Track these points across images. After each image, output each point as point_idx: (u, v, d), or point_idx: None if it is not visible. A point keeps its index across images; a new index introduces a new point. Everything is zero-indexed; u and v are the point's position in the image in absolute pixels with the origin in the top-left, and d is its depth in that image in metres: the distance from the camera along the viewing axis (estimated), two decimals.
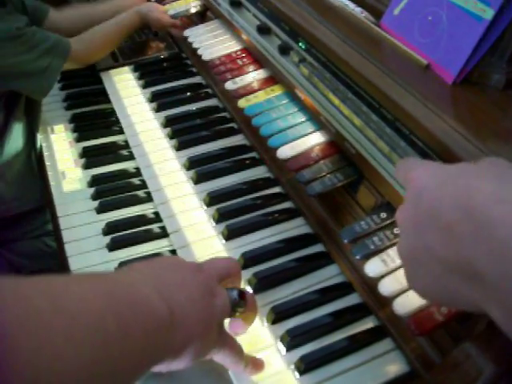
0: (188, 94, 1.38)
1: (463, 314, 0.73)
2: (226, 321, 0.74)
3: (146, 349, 0.54)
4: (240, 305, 0.71)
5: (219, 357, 0.72)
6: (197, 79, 1.43)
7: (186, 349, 0.61)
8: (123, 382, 0.52)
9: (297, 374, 0.81)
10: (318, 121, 1.00)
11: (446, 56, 0.86)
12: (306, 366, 0.81)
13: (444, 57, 0.86)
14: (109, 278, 0.58)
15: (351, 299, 0.90)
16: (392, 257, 0.80)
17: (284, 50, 1.08)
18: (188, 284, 0.64)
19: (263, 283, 0.91)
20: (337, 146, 0.98)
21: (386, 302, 0.80)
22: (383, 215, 0.85)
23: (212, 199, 1.07)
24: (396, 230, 0.83)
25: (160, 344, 0.56)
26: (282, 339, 0.84)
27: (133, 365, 0.53)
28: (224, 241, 1.00)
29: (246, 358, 0.76)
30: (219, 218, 1.03)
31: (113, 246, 1.05)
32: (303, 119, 1.06)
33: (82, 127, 1.39)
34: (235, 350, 0.74)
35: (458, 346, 0.67)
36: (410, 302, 0.75)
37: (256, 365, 0.79)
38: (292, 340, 0.83)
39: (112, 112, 1.39)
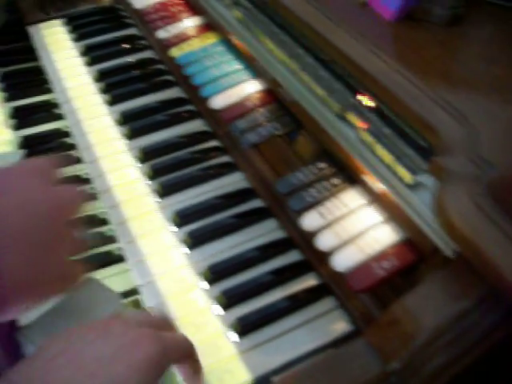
0: (122, 46, 1.29)
1: (405, 269, 0.69)
2: None
3: None
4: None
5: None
6: (132, 31, 1.34)
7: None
8: None
9: (234, 336, 0.76)
10: (254, 68, 0.95)
11: None
12: (243, 327, 0.76)
13: None
14: None
15: (292, 256, 0.85)
16: (330, 209, 0.75)
17: None
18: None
19: (198, 240, 0.87)
20: (273, 95, 0.92)
21: (327, 256, 0.75)
22: (321, 165, 0.80)
23: (146, 155, 1.01)
24: (335, 181, 0.78)
25: None
26: (218, 300, 0.80)
27: None
28: (159, 198, 0.94)
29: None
30: (153, 174, 0.97)
31: None
32: (239, 67, 1.00)
33: (12, 86, 1.30)
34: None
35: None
36: (349, 257, 0.71)
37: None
38: (229, 300, 0.79)
39: (42, 70, 1.30)
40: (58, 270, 0.60)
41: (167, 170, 0.98)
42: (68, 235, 0.61)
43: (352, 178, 0.77)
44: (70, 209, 0.63)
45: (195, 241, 0.86)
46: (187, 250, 0.86)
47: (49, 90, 1.25)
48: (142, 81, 1.19)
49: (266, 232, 0.88)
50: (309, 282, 0.82)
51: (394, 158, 0.67)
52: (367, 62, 0.72)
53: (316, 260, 0.82)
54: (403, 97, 0.67)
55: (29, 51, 1.36)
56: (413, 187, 0.65)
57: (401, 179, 0.66)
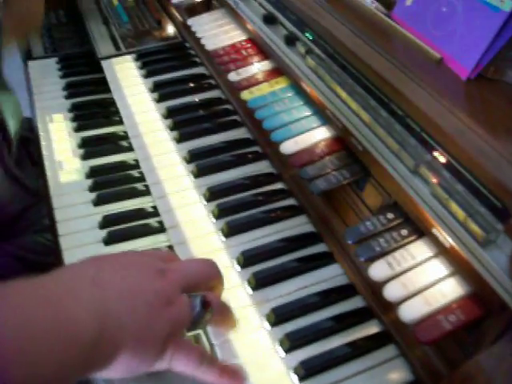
0: (191, 84, 1.34)
1: (472, 323, 0.70)
2: None
3: (61, 374, 0.50)
4: (203, 315, 0.66)
5: (179, 368, 0.66)
6: (200, 69, 1.39)
7: (113, 361, 0.57)
8: None
9: (296, 379, 0.77)
10: (324, 115, 0.96)
11: (461, 50, 0.81)
12: (305, 371, 0.77)
13: (458, 50, 0.82)
14: (33, 295, 0.52)
15: (354, 302, 0.86)
16: (398, 260, 0.76)
17: (290, 40, 1.04)
18: (135, 292, 0.60)
19: (262, 283, 0.88)
20: (343, 142, 0.94)
21: (391, 306, 0.77)
22: (390, 216, 0.81)
23: (212, 194, 1.03)
24: (403, 232, 0.79)
25: (80, 365, 0.52)
26: (282, 343, 0.81)
27: None
28: (224, 238, 0.96)
29: (220, 364, 0.70)
30: (219, 213, 1.00)
31: (109, 240, 1.02)
32: (308, 113, 1.02)
33: (82, 117, 1.35)
34: (194, 356, 0.67)
35: (466, 358, 0.64)
36: (416, 309, 0.72)
37: (234, 374, 0.71)
38: (292, 344, 0.80)
39: (113, 102, 1.35)
40: (162, 330, 0.61)
41: (233, 211, 1.00)
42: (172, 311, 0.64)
43: (421, 230, 0.78)
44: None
45: (259, 282, 0.88)
46: (251, 291, 0.88)
47: (118, 122, 1.30)
48: (209, 120, 1.22)
49: (329, 277, 0.90)
50: (370, 329, 0.83)
51: (466, 214, 0.68)
52: (443, 119, 0.73)
53: (378, 307, 0.83)
54: (478, 157, 0.68)
55: (100, 83, 1.42)
56: (485, 245, 0.66)
57: (472, 236, 0.68)
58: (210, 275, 0.72)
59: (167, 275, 0.65)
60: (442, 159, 0.73)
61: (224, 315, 0.72)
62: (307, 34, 1.01)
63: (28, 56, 1.61)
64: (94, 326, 0.53)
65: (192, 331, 0.71)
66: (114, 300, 0.57)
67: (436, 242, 0.75)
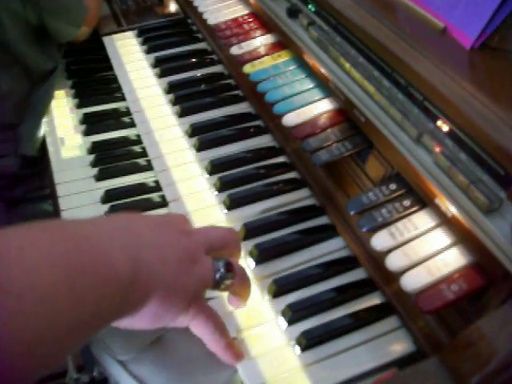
0: (193, 59, 1.33)
1: (474, 293, 0.69)
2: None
3: (100, 312, 0.52)
4: (226, 277, 0.68)
5: (195, 328, 0.69)
6: (202, 45, 1.38)
7: (143, 307, 0.59)
8: (77, 340, 0.51)
9: (298, 350, 0.77)
10: (327, 87, 0.96)
11: (464, 19, 0.80)
12: (307, 342, 0.77)
13: (462, 19, 0.81)
14: (73, 233, 0.54)
15: (356, 274, 0.86)
16: (401, 230, 0.76)
17: (292, 12, 1.03)
18: (165, 245, 0.62)
19: (265, 255, 0.88)
20: (345, 114, 0.93)
21: (393, 277, 0.77)
22: (392, 186, 0.81)
23: (214, 167, 1.03)
24: (405, 203, 0.78)
25: (116, 305, 0.55)
26: (284, 313, 0.81)
27: (84, 328, 0.51)
28: (226, 210, 0.96)
29: (228, 338, 0.73)
30: (221, 186, 1.00)
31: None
32: (311, 86, 1.01)
33: (84, 93, 1.35)
34: (212, 323, 0.70)
35: (468, 325, 0.63)
36: (418, 278, 0.72)
37: (237, 353, 0.75)
38: (294, 315, 0.80)
39: (114, 78, 1.35)
40: (189, 285, 0.63)
41: (235, 184, 1.00)
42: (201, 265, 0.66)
43: (423, 201, 0.78)
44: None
45: (261, 254, 0.88)
46: (253, 264, 0.88)
47: (120, 99, 1.30)
48: (211, 94, 1.22)
49: (331, 250, 0.90)
50: (373, 300, 0.83)
51: (469, 182, 0.68)
52: (446, 88, 0.73)
53: (380, 279, 0.83)
54: (482, 124, 0.67)
55: (103, 61, 1.41)
56: (488, 213, 0.66)
57: (475, 204, 0.67)
58: (230, 242, 0.73)
59: (192, 236, 0.67)
60: (445, 128, 0.73)
61: (243, 283, 0.73)
62: (309, 6, 1.00)
63: None
64: (129, 268, 0.55)
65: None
66: (147, 248, 0.59)
67: (438, 212, 0.74)
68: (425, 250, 0.74)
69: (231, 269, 0.69)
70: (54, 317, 0.46)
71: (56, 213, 1.06)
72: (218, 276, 0.67)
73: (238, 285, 0.72)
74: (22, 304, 0.43)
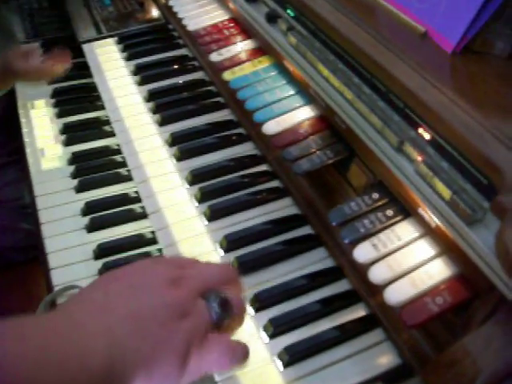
0: (173, 66, 1.31)
1: (459, 305, 0.67)
2: None
3: None
4: (223, 317, 0.61)
5: (212, 370, 0.65)
6: (183, 51, 1.36)
7: None
8: None
9: (280, 366, 0.76)
10: (308, 94, 0.94)
11: (445, 22, 0.79)
12: (290, 357, 0.76)
13: (443, 23, 0.79)
14: (43, 328, 0.51)
15: (340, 285, 0.84)
16: (383, 241, 0.74)
17: (271, 17, 1.01)
18: (144, 312, 0.57)
19: (246, 267, 0.86)
20: (326, 121, 0.91)
21: (377, 289, 0.74)
22: (375, 196, 0.79)
23: (194, 177, 1.01)
24: (388, 213, 0.76)
25: None
26: (265, 328, 0.79)
27: None
28: (206, 222, 0.94)
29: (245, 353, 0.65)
30: (202, 197, 0.98)
31: (91, 227, 1.00)
32: (291, 92, 0.99)
33: (64, 102, 1.33)
34: (224, 357, 0.61)
35: (454, 340, 0.62)
36: (402, 291, 0.70)
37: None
38: (275, 329, 0.78)
39: (95, 86, 1.32)
40: (179, 344, 0.57)
41: (216, 194, 0.98)
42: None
43: (406, 211, 0.76)
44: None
45: (243, 266, 0.86)
46: None
47: (100, 107, 1.28)
48: (192, 102, 1.20)
49: (314, 260, 0.88)
50: (357, 312, 0.81)
51: (452, 193, 0.66)
52: (427, 94, 0.71)
53: (365, 290, 0.81)
54: (464, 132, 0.65)
55: (82, 68, 1.39)
56: (471, 224, 0.64)
57: (459, 215, 0.65)
58: (227, 280, 0.66)
59: (182, 283, 0.61)
60: (427, 136, 0.71)
61: (241, 317, 0.66)
62: (288, 11, 0.98)
63: None
64: (103, 357, 0.51)
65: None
66: (122, 325, 0.55)
67: (422, 222, 0.73)
68: (408, 261, 0.72)
69: (228, 306, 0.62)
70: None
71: (36, 226, 1.03)
72: (215, 318, 0.61)
73: (238, 314, 0.65)
74: None
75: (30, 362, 0.46)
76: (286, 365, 0.75)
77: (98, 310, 0.55)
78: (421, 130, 0.72)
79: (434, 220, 0.69)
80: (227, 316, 0.62)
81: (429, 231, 0.73)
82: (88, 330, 0.53)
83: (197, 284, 0.62)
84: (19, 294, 1.30)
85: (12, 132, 1.49)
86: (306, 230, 0.92)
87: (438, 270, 0.71)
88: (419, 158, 0.70)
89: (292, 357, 0.75)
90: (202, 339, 0.60)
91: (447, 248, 0.70)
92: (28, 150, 1.20)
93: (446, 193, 0.66)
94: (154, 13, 1.52)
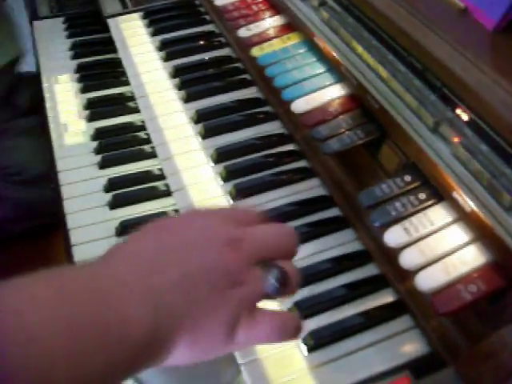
0: (199, 42, 1.29)
1: (493, 294, 0.65)
2: None
3: (112, 373, 0.46)
4: (279, 292, 0.57)
5: (259, 344, 0.63)
6: (209, 27, 1.33)
7: (170, 354, 0.51)
8: None
9: (305, 350, 0.74)
10: (339, 72, 0.91)
11: None
12: (315, 342, 0.74)
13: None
14: (83, 288, 0.47)
15: (368, 270, 0.82)
16: (415, 225, 0.72)
17: None
18: (198, 273, 0.53)
19: None
20: (358, 100, 0.88)
21: (407, 274, 0.72)
22: (407, 178, 0.76)
23: (220, 155, 0.99)
24: (421, 196, 0.74)
25: (132, 364, 0.49)
26: (291, 311, 0.77)
27: None
28: (232, 201, 0.92)
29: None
30: (227, 176, 0.96)
31: (114, 204, 0.99)
32: (322, 70, 0.96)
33: (88, 77, 1.32)
34: (274, 331, 0.57)
35: (486, 330, 0.59)
36: (434, 277, 0.68)
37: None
38: (301, 313, 0.76)
39: (120, 62, 1.31)
40: (228, 313, 0.54)
41: (241, 173, 0.96)
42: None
43: (440, 194, 0.73)
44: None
45: None
46: None
47: (125, 83, 1.26)
48: (218, 79, 1.18)
49: (342, 243, 0.85)
50: (385, 298, 0.79)
51: (490, 176, 0.63)
52: (466, 73, 0.68)
53: (393, 276, 0.78)
54: (505, 113, 0.63)
55: (107, 43, 1.37)
56: (509, 209, 0.61)
57: (497, 200, 0.63)
58: (288, 248, 0.61)
59: (240, 246, 0.56)
60: (465, 117, 0.68)
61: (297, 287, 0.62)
62: None
63: (34, 16, 1.57)
64: (148, 323, 0.48)
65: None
66: (172, 288, 0.51)
67: (456, 207, 0.70)
68: (441, 247, 0.70)
69: (286, 281, 0.57)
70: None
71: (59, 201, 1.02)
72: (270, 291, 0.56)
73: (294, 290, 0.60)
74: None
75: (65, 331, 0.43)
76: (311, 349, 0.74)
77: (147, 269, 0.51)
78: (459, 111, 0.69)
79: (469, 204, 0.66)
80: (283, 291, 0.57)
81: (463, 216, 0.70)
82: (135, 293, 0.49)
83: (256, 249, 0.57)
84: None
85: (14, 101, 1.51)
86: (333, 212, 0.90)
87: (472, 257, 0.68)
88: (456, 140, 0.68)
89: (317, 342, 0.74)
90: (253, 309, 0.56)
91: (482, 234, 0.67)
92: (51, 125, 1.19)
93: (485, 176, 0.64)
94: None
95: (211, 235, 0.56)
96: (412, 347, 0.74)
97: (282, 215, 0.89)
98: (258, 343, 0.60)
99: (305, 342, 0.74)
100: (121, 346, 0.46)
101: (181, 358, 0.53)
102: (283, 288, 0.56)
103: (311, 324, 0.76)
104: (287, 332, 0.57)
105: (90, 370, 0.44)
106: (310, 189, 0.94)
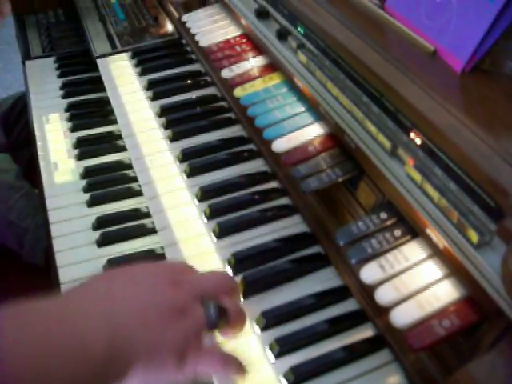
0: (186, 82, 1.31)
1: (467, 329, 0.67)
2: None
3: None
4: (217, 322, 0.64)
5: (204, 372, 0.65)
6: (196, 67, 1.36)
7: (127, 376, 0.55)
8: None
9: None
10: (317, 111, 0.93)
11: (455, 41, 0.78)
12: (296, 377, 0.75)
13: (453, 42, 0.78)
14: (44, 315, 0.52)
15: (348, 305, 0.84)
16: (391, 262, 0.74)
17: (282, 35, 1.01)
18: (147, 304, 0.59)
19: (253, 287, 0.85)
20: (336, 140, 0.91)
21: (385, 309, 0.73)
22: (383, 215, 0.78)
23: (204, 194, 1.01)
24: (396, 233, 0.76)
25: (91, 381, 0.52)
26: (271, 347, 0.78)
27: None
28: (215, 239, 0.94)
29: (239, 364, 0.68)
30: (211, 213, 0.97)
31: (102, 242, 1.00)
32: (301, 109, 0.99)
33: (78, 116, 1.34)
34: (218, 362, 0.66)
35: (463, 363, 0.61)
36: (408, 313, 0.69)
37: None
38: (282, 348, 0.78)
39: (109, 101, 1.33)
40: (176, 340, 0.60)
41: (225, 211, 0.98)
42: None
43: (414, 231, 0.75)
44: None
45: (251, 286, 0.85)
46: (241, 297, 0.85)
47: (114, 122, 1.29)
48: (203, 118, 1.20)
49: (323, 279, 0.87)
50: (365, 332, 0.80)
51: (460, 215, 0.65)
52: (435, 115, 0.70)
53: (373, 310, 0.80)
54: (472, 154, 0.65)
55: (97, 82, 1.40)
56: (479, 247, 0.63)
57: (466, 238, 0.64)
58: (226, 288, 0.69)
59: (183, 286, 0.64)
60: (435, 157, 0.70)
61: (238, 321, 0.69)
62: (299, 29, 0.98)
63: (26, 56, 1.60)
64: (104, 342, 0.52)
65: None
66: (124, 315, 0.56)
67: (430, 243, 0.72)
68: (416, 283, 0.72)
69: (223, 314, 0.65)
70: None
71: (48, 240, 1.04)
72: (209, 322, 0.64)
73: (234, 325, 0.68)
74: None
75: (32, 349, 0.47)
76: None
77: (101, 298, 0.57)
78: (429, 152, 0.71)
79: (441, 241, 0.68)
80: (222, 323, 0.65)
81: (437, 252, 0.72)
82: (90, 315, 0.54)
83: (196, 289, 0.65)
84: None
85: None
86: (315, 249, 0.91)
87: (446, 292, 0.70)
88: (427, 180, 0.70)
89: (298, 377, 0.75)
90: (198, 341, 0.62)
91: (455, 270, 0.69)
92: (42, 164, 1.21)
93: (454, 214, 0.66)
94: (168, 27, 1.53)
95: (157, 277, 0.63)
96: (391, 380, 0.75)
97: (264, 253, 0.90)
98: (205, 373, 0.65)
99: (286, 377, 0.75)
100: (82, 365, 0.50)
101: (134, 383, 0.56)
102: (220, 319, 0.64)
103: (292, 359, 0.77)
104: (230, 364, 0.65)
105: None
106: (292, 225, 0.95)
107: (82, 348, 0.51)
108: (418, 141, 0.72)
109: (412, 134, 0.73)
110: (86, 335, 0.52)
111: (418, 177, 0.71)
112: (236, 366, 0.67)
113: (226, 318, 0.65)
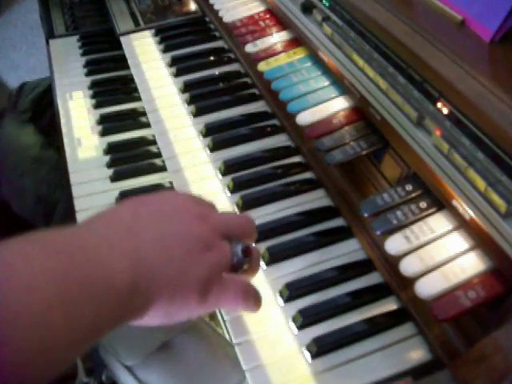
0: (209, 58, 1.31)
1: (493, 300, 0.66)
2: None
3: (98, 325, 0.49)
4: (244, 262, 0.63)
5: (226, 309, 0.69)
6: (219, 43, 1.36)
7: (149, 309, 0.55)
8: (74, 353, 0.49)
9: (308, 357, 0.75)
10: (342, 85, 0.93)
11: (484, 10, 0.77)
12: (318, 349, 0.75)
13: (481, 11, 0.77)
14: (67, 245, 0.50)
15: (371, 278, 0.83)
16: (416, 233, 0.73)
17: (307, 8, 1.00)
18: (172, 238, 0.58)
19: (277, 257, 0.85)
20: (361, 112, 0.90)
21: (409, 282, 0.73)
22: (408, 187, 0.77)
23: (227, 168, 1.01)
24: (422, 205, 0.75)
25: (115, 316, 0.52)
26: (295, 319, 0.78)
27: (81, 342, 0.49)
28: (239, 212, 0.94)
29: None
30: (234, 187, 0.97)
31: None
32: (326, 83, 0.98)
33: (101, 93, 1.35)
34: (240, 297, 0.64)
35: (487, 334, 0.60)
36: (434, 284, 0.69)
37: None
38: (304, 320, 0.78)
39: (133, 78, 1.33)
40: (201, 276, 0.59)
41: (248, 184, 0.98)
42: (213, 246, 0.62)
43: (440, 203, 0.74)
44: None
45: (273, 257, 0.85)
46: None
47: (137, 99, 1.29)
48: (226, 93, 1.20)
49: (346, 252, 0.87)
50: (388, 305, 0.80)
51: (487, 184, 0.64)
52: (463, 84, 0.69)
53: (396, 283, 0.79)
54: (501, 122, 0.63)
55: (120, 60, 1.40)
56: (506, 216, 0.62)
57: (494, 207, 0.64)
58: (247, 229, 0.68)
59: (208, 220, 0.62)
60: (462, 126, 0.69)
61: (256, 267, 0.68)
62: (324, 1, 0.97)
63: (50, 35, 1.61)
64: (128, 275, 0.52)
65: None
66: (149, 248, 0.55)
67: (456, 215, 0.71)
68: (441, 254, 0.71)
69: (249, 253, 0.64)
70: (48, 340, 0.44)
71: (72, 213, 1.05)
72: (235, 261, 0.63)
73: (255, 267, 0.67)
74: (13, 331, 0.41)
75: (56, 282, 0.46)
76: (314, 356, 0.75)
77: (126, 229, 0.55)
78: (456, 121, 0.70)
79: (468, 212, 0.67)
80: (247, 262, 0.64)
81: (463, 224, 0.71)
82: (115, 248, 0.53)
83: (222, 226, 0.64)
84: None
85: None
86: (338, 222, 0.91)
87: (472, 264, 0.69)
88: (454, 149, 0.69)
89: (320, 348, 0.75)
90: (221, 276, 0.62)
91: (481, 241, 0.68)
92: (65, 140, 1.22)
93: (481, 184, 0.65)
94: (191, 5, 1.52)
95: (184, 208, 0.61)
96: (415, 354, 0.75)
97: (287, 225, 0.90)
98: (224, 307, 0.67)
99: (308, 348, 0.75)
100: (106, 296, 0.49)
101: (156, 316, 0.56)
102: (245, 258, 0.62)
103: (315, 331, 0.77)
104: (248, 298, 0.64)
105: (81, 319, 0.47)
106: (315, 199, 0.95)
107: (107, 281, 0.50)
108: (445, 110, 0.71)
109: (439, 104, 0.72)
110: (111, 268, 0.51)
111: (445, 147, 0.70)
112: (256, 300, 0.66)
113: (248, 261, 0.64)
